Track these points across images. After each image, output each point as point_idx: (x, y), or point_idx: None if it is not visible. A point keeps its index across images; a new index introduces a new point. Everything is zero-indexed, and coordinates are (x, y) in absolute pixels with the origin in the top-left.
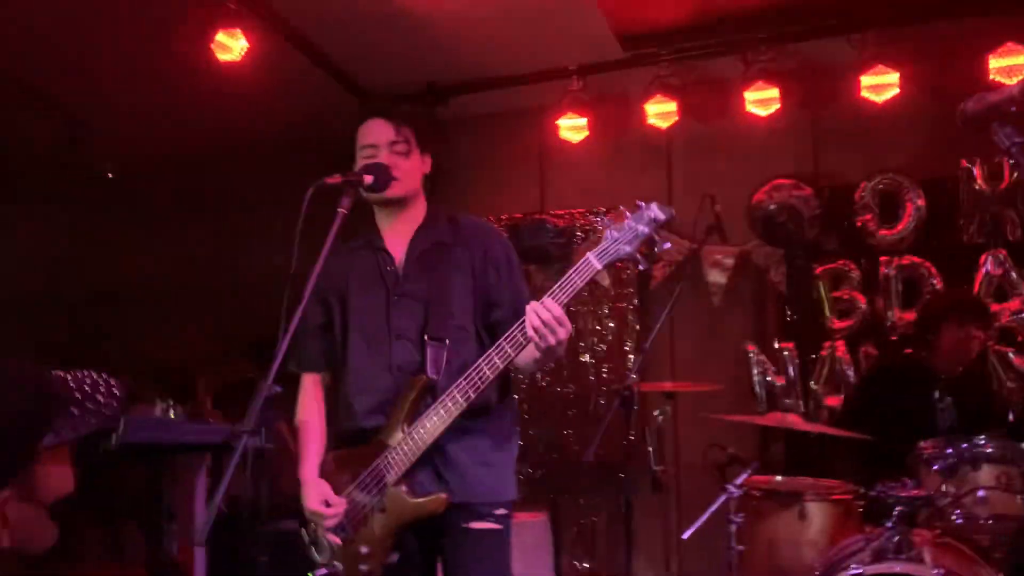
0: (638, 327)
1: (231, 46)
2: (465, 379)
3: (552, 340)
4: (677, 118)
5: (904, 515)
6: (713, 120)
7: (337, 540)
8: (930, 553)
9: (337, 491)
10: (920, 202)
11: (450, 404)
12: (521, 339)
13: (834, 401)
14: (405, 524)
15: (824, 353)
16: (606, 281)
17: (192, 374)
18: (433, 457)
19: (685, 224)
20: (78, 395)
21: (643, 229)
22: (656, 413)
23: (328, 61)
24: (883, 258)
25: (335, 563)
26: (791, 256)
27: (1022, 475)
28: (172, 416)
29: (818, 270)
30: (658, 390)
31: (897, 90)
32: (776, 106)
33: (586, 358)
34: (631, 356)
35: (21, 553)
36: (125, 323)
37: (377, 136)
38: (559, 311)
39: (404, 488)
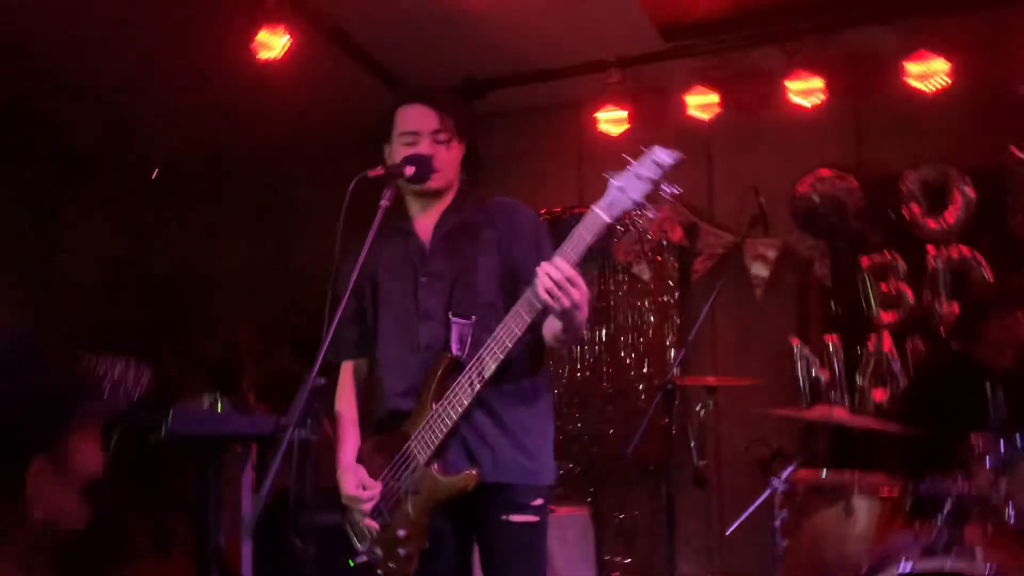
0: (679, 321)
1: (272, 44)
2: (485, 349)
3: (566, 302)
4: (718, 110)
5: (955, 511)
6: (754, 111)
7: (375, 525)
8: (982, 550)
9: (373, 476)
10: (968, 191)
11: (473, 376)
12: (535, 301)
13: (881, 395)
14: (439, 504)
15: (870, 347)
16: (646, 275)
17: (236, 368)
18: (464, 435)
19: (727, 217)
20: (107, 377)
21: (648, 175)
22: (698, 407)
23: (366, 56)
24: (930, 249)
25: (375, 549)
26: (835, 248)
27: None
28: (219, 408)
29: (864, 262)
30: (700, 384)
31: (946, 78)
32: (819, 96)
33: (627, 353)
34: (672, 350)
35: (54, 529)
36: (173, 317)
37: (420, 123)
38: (570, 270)
39: (436, 467)
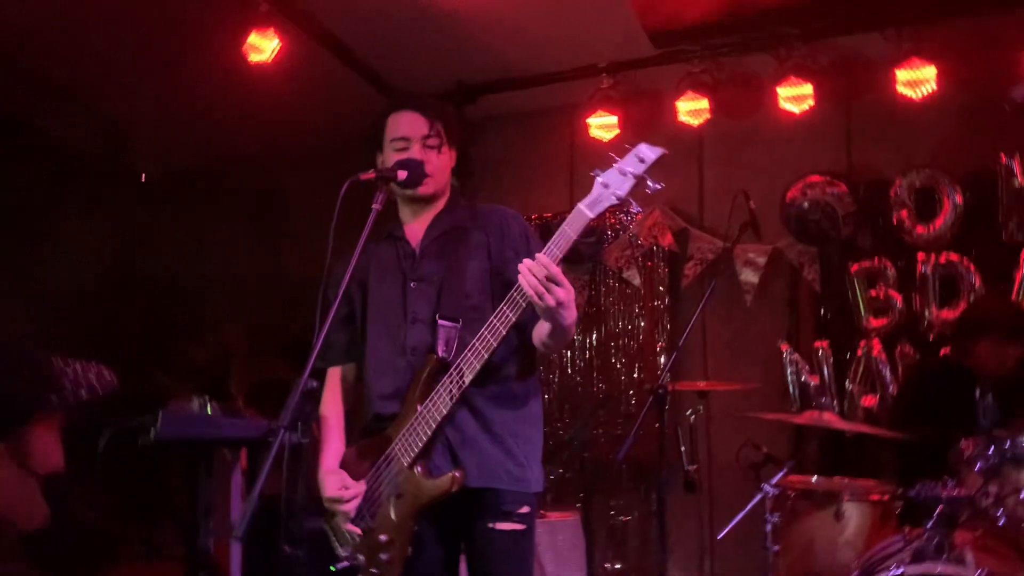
0: (669, 326)
1: (263, 47)
2: (470, 350)
3: (551, 300)
4: (709, 115)
5: (945, 515)
6: (745, 117)
7: (357, 530)
8: (972, 554)
9: (356, 480)
10: (958, 198)
11: (457, 377)
12: (519, 299)
13: (870, 401)
14: (423, 508)
15: (859, 352)
16: (637, 280)
17: (225, 371)
18: (448, 437)
19: (717, 222)
20: (70, 374)
21: (632, 171)
22: (689, 412)
23: (358, 61)
24: (920, 255)
25: (357, 555)
26: (825, 254)
27: None
28: (209, 412)
29: (853, 268)
30: (691, 389)
31: (934, 85)
32: (809, 102)
33: (617, 358)
34: (663, 355)
35: (10, 524)
36: (164, 321)
37: (410, 129)
38: (553, 267)
39: (419, 469)
